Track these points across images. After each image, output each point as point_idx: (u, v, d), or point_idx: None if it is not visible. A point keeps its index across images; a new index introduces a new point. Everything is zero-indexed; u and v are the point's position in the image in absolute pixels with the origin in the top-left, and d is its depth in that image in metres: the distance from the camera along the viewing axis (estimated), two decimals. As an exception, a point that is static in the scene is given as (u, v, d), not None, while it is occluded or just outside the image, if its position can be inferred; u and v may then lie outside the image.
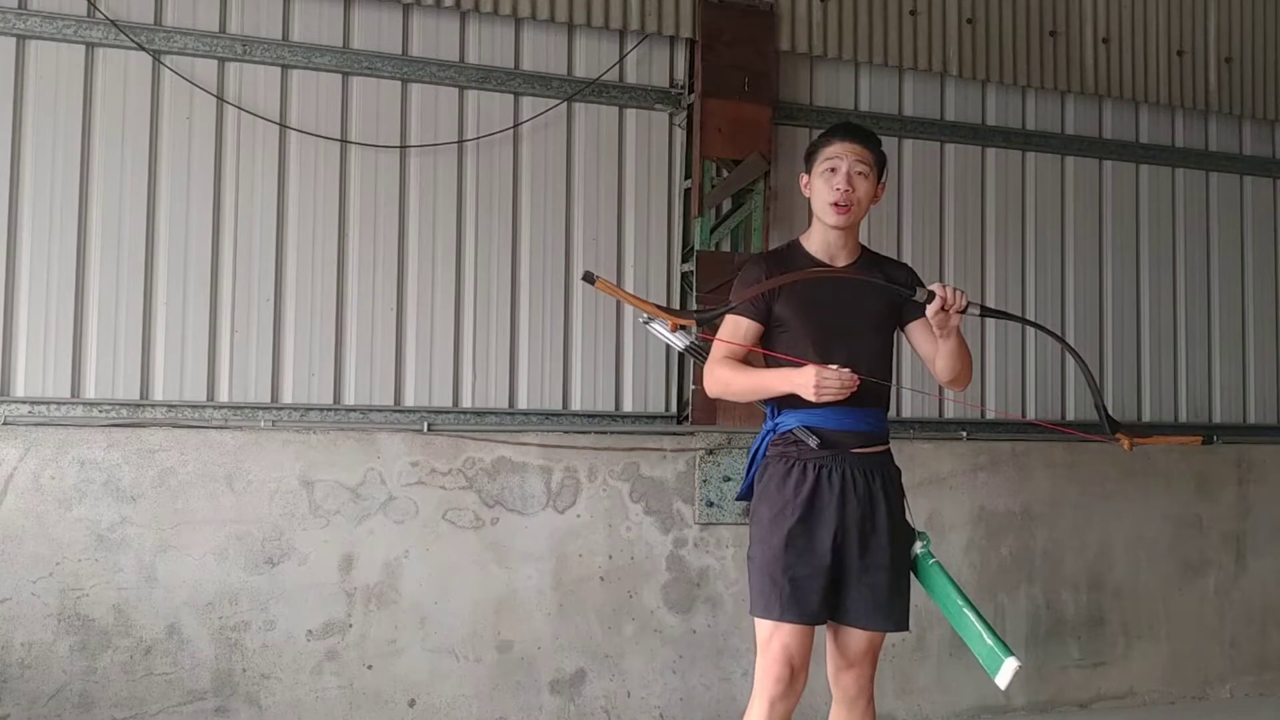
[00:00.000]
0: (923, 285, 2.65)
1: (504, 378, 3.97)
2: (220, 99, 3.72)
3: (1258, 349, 5.08)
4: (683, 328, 2.99)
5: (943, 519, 4.37)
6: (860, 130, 2.82)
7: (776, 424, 2.72)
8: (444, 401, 3.89)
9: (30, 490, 3.44)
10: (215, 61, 3.73)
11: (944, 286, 2.55)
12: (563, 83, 4.08)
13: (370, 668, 3.70)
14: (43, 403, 3.51)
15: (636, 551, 3.99)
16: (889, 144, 4.47)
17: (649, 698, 3.97)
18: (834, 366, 2.55)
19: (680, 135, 4.20)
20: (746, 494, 2.81)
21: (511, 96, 4.03)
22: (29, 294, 3.53)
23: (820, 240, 2.80)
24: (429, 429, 3.83)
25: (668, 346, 3.75)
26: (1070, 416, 4.68)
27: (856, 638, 2.67)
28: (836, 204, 2.70)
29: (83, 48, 3.61)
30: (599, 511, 3.96)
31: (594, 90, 4.11)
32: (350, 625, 3.69)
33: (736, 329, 2.75)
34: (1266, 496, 4.93)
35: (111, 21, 3.60)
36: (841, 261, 2.78)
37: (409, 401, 3.86)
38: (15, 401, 3.48)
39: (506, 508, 3.87)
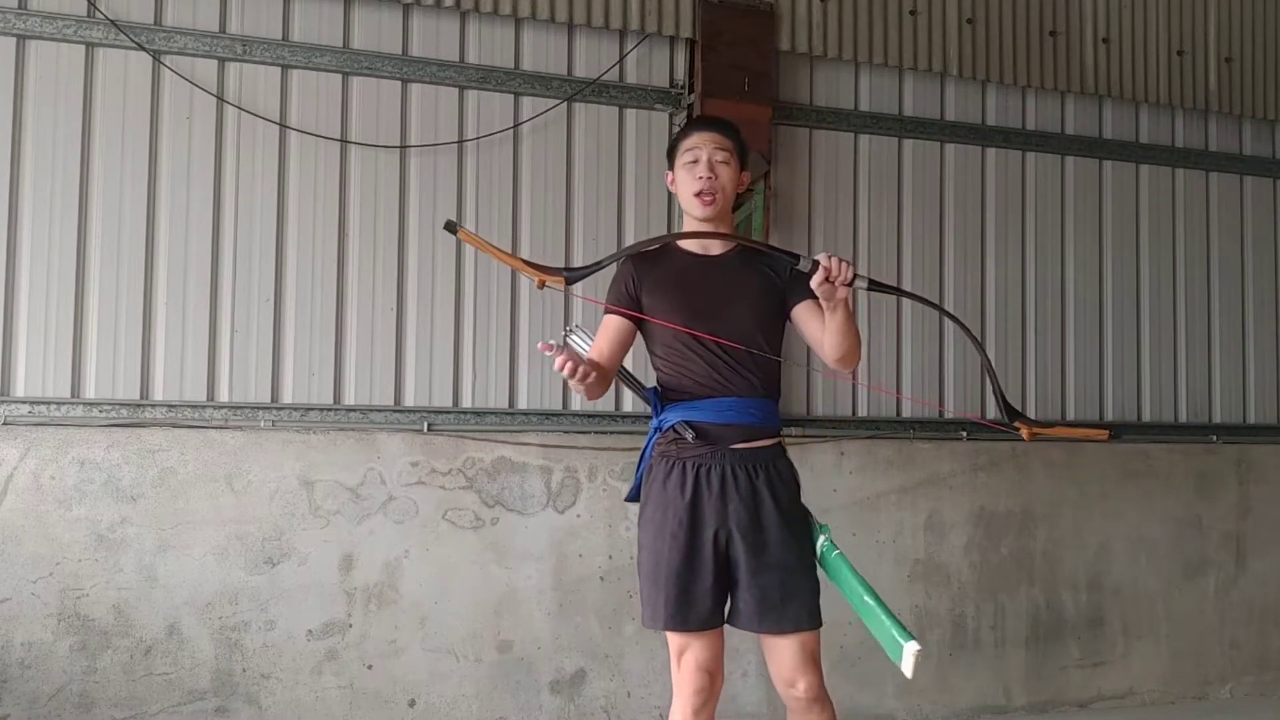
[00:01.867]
0: (806, 256, 2.55)
1: (504, 378, 3.97)
2: (220, 99, 3.72)
3: (1258, 349, 5.08)
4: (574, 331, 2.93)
5: (943, 519, 4.38)
6: (718, 120, 2.78)
7: (661, 421, 2.63)
8: (444, 401, 3.90)
9: (30, 490, 3.44)
10: (215, 61, 3.73)
11: (828, 257, 2.43)
12: (563, 83, 4.08)
13: (370, 668, 3.71)
14: (43, 403, 3.51)
15: (637, 551, 3.98)
16: (889, 144, 4.55)
17: (649, 698, 3.97)
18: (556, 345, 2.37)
19: (680, 135, 4.20)
20: (635, 496, 2.72)
21: (511, 96, 4.03)
22: (29, 294, 3.53)
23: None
24: (429, 429, 3.83)
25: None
26: (1071, 416, 4.69)
27: (783, 648, 2.53)
28: (700, 193, 2.64)
29: (83, 48, 3.61)
30: (599, 511, 3.96)
31: (594, 90, 4.11)
32: (350, 625, 3.69)
33: (605, 329, 2.68)
34: (1266, 496, 4.94)
35: (111, 21, 3.60)
36: (716, 251, 2.69)
37: (409, 401, 3.86)
38: (15, 401, 3.49)
39: (506, 508, 3.87)
